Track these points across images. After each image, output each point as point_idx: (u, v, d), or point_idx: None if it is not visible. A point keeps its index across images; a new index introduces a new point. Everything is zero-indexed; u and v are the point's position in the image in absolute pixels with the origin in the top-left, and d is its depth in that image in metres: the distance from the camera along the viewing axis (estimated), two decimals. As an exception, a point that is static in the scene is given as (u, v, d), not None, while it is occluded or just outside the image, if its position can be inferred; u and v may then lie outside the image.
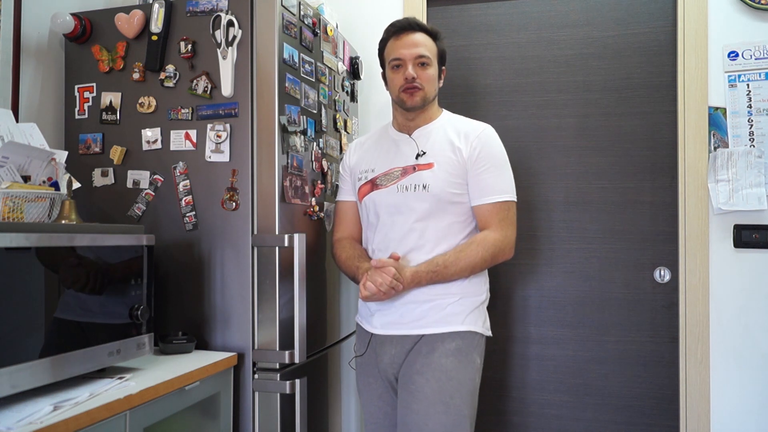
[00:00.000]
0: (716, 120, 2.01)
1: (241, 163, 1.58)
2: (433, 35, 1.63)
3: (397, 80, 1.60)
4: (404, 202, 1.57)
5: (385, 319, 1.59)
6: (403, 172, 1.60)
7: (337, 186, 1.97)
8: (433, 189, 1.55)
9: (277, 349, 1.55)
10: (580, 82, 2.20)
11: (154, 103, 1.65)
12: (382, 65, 1.69)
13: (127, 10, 1.68)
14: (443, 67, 1.67)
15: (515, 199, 1.60)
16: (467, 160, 1.57)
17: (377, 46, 1.69)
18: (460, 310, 1.55)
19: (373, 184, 1.63)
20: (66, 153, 1.51)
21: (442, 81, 1.67)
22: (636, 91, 2.15)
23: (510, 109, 2.23)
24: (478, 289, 1.59)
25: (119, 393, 1.16)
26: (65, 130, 1.75)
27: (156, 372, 1.33)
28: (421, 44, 1.59)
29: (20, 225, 1.15)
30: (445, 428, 1.46)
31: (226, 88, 1.58)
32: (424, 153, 1.59)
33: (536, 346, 2.21)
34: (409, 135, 1.64)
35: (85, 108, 1.72)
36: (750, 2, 1.98)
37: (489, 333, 1.61)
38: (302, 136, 1.70)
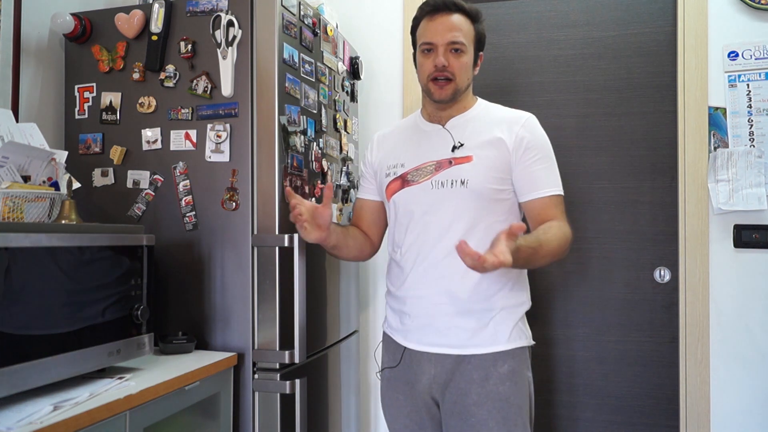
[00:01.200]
0: (716, 120, 2.01)
1: (241, 163, 1.58)
2: (473, 17, 1.45)
3: (427, 66, 1.44)
4: (440, 199, 1.42)
5: (420, 334, 1.44)
6: (437, 166, 1.44)
7: (337, 186, 1.98)
8: (472, 185, 1.39)
9: (277, 349, 1.55)
10: (580, 82, 2.20)
11: (154, 103, 1.65)
12: (414, 46, 1.52)
13: (127, 10, 1.68)
14: (480, 53, 1.50)
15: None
16: (512, 152, 1.41)
17: (411, 24, 1.53)
18: (505, 325, 1.41)
19: (403, 180, 1.48)
20: (66, 153, 1.51)
21: (478, 68, 1.51)
22: (636, 91, 2.15)
23: (510, 109, 2.24)
24: (520, 298, 1.46)
25: (119, 393, 1.16)
26: (65, 130, 1.75)
27: (156, 372, 1.33)
28: (457, 28, 1.41)
29: (20, 225, 1.15)
30: None
31: (226, 88, 1.58)
32: (462, 145, 1.43)
33: (536, 346, 2.20)
34: (442, 125, 1.49)
35: (85, 108, 1.72)
36: (750, 2, 1.98)
37: (532, 341, 1.49)
38: (302, 136, 1.70)
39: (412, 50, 1.55)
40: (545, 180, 1.42)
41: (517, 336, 1.43)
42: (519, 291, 1.46)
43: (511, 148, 1.42)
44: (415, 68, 1.54)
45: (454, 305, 1.40)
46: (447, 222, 1.41)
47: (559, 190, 1.44)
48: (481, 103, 1.54)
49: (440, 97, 1.45)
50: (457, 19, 1.43)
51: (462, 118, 1.49)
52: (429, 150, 1.48)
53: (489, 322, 1.41)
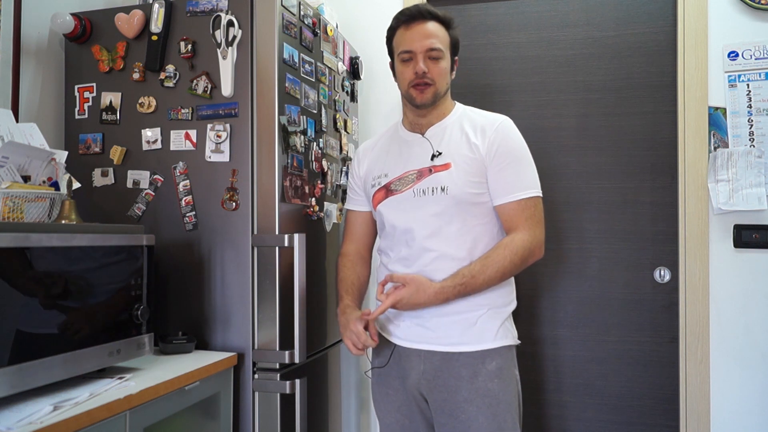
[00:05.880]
0: (716, 120, 2.01)
1: (241, 163, 1.58)
2: (447, 23, 1.49)
3: (407, 74, 1.47)
4: (422, 207, 1.46)
5: (410, 331, 1.48)
6: (418, 175, 1.48)
7: (337, 186, 1.98)
8: (452, 191, 1.43)
9: (277, 349, 1.55)
10: (580, 82, 2.20)
11: (154, 103, 1.65)
12: (391, 55, 1.56)
13: (127, 10, 1.68)
14: (456, 58, 1.54)
15: (541, 194, 1.47)
16: (485, 156, 1.45)
17: (385, 34, 1.56)
18: (492, 324, 1.45)
19: (387, 190, 1.53)
20: (66, 153, 1.50)
21: (454, 73, 1.55)
22: (636, 91, 2.15)
23: (510, 109, 2.23)
24: (506, 298, 1.50)
25: (119, 393, 1.16)
26: (65, 130, 1.75)
27: (156, 372, 1.33)
28: (433, 35, 1.46)
29: (20, 225, 1.15)
30: None
31: (226, 88, 1.58)
32: (440, 153, 1.47)
33: (536, 346, 2.21)
34: (422, 134, 1.53)
35: (85, 108, 1.72)
36: (750, 2, 1.98)
37: (518, 341, 1.53)
38: (302, 136, 1.70)
39: (390, 59, 1.58)
40: (514, 184, 1.44)
41: (503, 335, 1.47)
42: (506, 292, 1.50)
43: (484, 153, 1.45)
44: (393, 77, 1.57)
45: (442, 306, 1.43)
46: (431, 228, 1.45)
47: (530, 192, 1.45)
48: (459, 108, 1.56)
49: (422, 101, 1.48)
50: (433, 26, 1.47)
51: (440, 126, 1.52)
52: (410, 159, 1.52)
53: (476, 321, 1.44)
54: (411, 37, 1.47)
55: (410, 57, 1.47)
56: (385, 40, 1.57)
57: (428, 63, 1.46)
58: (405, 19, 1.49)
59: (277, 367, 1.56)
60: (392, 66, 1.57)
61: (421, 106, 1.50)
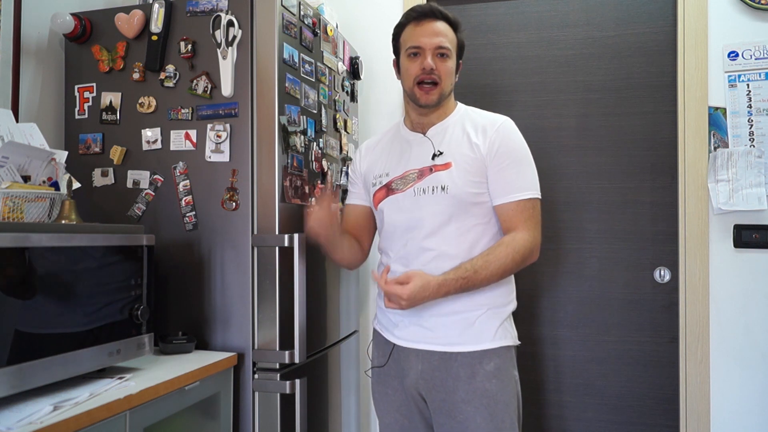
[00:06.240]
0: (716, 120, 2.01)
1: (241, 163, 1.58)
2: (455, 26, 1.51)
3: (413, 69, 1.48)
4: (423, 206, 1.46)
5: (409, 331, 1.48)
6: (419, 174, 1.49)
7: (337, 186, 1.98)
8: (452, 190, 1.44)
9: (277, 349, 1.55)
10: (580, 82, 2.20)
11: (154, 103, 1.65)
12: (396, 52, 1.56)
13: (127, 10, 1.68)
14: (460, 61, 1.55)
15: (540, 197, 1.47)
16: (486, 156, 1.45)
17: (392, 31, 1.56)
18: (491, 324, 1.45)
19: (388, 189, 1.53)
20: (66, 153, 1.51)
21: (458, 75, 1.55)
22: (636, 91, 2.15)
23: (510, 109, 2.23)
24: (506, 298, 1.50)
25: (119, 393, 1.16)
26: (65, 130, 1.75)
27: (156, 372, 1.33)
28: (443, 33, 1.47)
29: (20, 225, 1.15)
30: None
31: (226, 88, 1.58)
32: (441, 153, 1.48)
33: (536, 346, 2.21)
34: (424, 134, 1.53)
35: (85, 108, 1.72)
36: (750, 2, 1.98)
37: (518, 342, 1.52)
38: (302, 136, 1.70)
39: (394, 57, 1.58)
40: (513, 185, 1.45)
41: (502, 335, 1.47)
42: (505, 291, 1.50)
43: (485, 152, 1.46)
44: (396, 74, 1.57)
45: (441, 306, 1.43)
46: (431, 227, 1.46)
47: (529, 193, 1.45)
48: (461, 108, 1.57)
49: (426, 102, 1.49)
50: (442, 25, 1.48)
51: (442, 125, 1.53)
52: (411, 159, 1.52)
53: (475, 321, 1.44)
54: (421, 33, 1.47)
55: (418, 52, 1.47)
56: (391, 37, 1.56)
57: (436, 60, 1.46)
58: (416, 15, 1.49)
59: (277, 367, 1.56)
60: (396, 64, 1.57)
61: (425, 106, 1.50)
